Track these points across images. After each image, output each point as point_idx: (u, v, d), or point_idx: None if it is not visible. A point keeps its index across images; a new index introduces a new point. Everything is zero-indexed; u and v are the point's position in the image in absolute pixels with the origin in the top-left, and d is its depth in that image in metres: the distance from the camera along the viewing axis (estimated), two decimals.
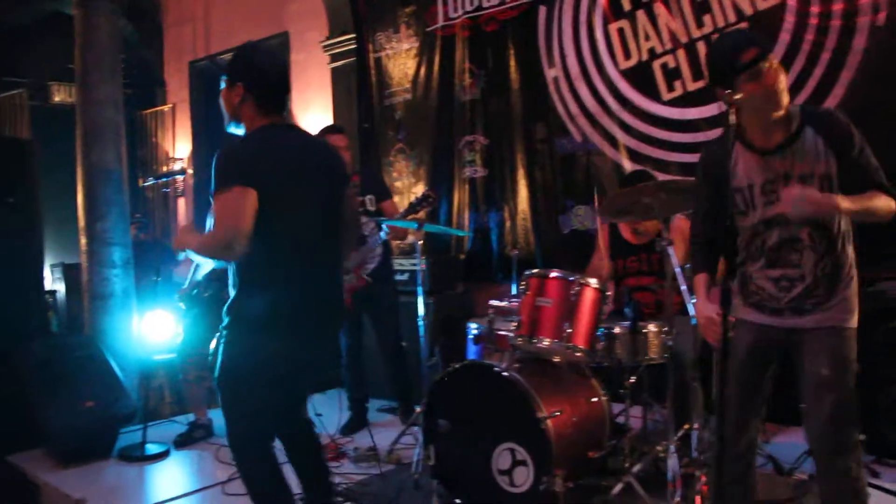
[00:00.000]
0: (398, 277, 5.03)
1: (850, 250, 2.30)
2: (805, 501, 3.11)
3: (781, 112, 2.23)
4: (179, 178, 6.23)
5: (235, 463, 2.61)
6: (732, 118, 2.06)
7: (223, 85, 2.53)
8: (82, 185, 4.66)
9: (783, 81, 2.20)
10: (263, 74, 2.49)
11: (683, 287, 2.83)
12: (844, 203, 2.13)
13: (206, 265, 4.23)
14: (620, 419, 3.52)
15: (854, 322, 2.28)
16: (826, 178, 2.21)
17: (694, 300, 2.54)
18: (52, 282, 7.54)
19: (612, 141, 4.92)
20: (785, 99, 2.21)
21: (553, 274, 3.13)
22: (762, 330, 2.37)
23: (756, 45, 2.20)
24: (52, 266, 7.59)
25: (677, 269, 2.84)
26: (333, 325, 2.84)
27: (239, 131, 2.56)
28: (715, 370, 2.83)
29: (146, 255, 5.16)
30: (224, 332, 2.43)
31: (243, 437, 2.52)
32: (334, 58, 6.38)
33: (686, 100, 4.59)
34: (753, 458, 2.50)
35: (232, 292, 2.45)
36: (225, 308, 2.44)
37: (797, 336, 2.31)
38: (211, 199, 2.36)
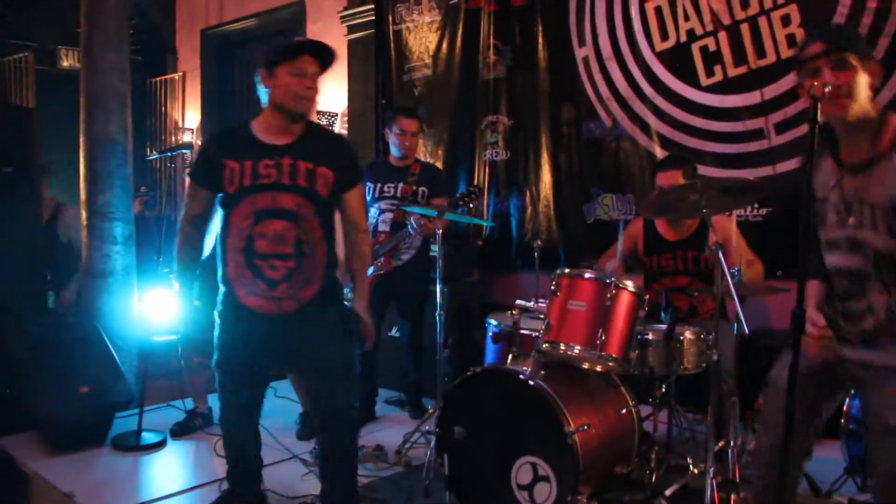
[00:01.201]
0: None
1: None
2: None
3: (861, 118, 1.96)
4: (186, 152, 5.98)
5: None
6: (819, 117, 1.80)
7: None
8: (84, 156, 4.41)
9: (861, 81, 1.94)
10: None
11: (734, 294, 2.56)
12: None
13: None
14: (647, 425, 3.32)
15: None
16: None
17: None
18: None
19: (645, 127, 4.63)
20: (863, 104, 1.96)
21: (587, 275, 2.87)
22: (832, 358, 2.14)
23: (825, 41, 1.97)
24: None
25: (729, 274, 2.57)
26: None
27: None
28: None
29: (150, 232, 4.93)
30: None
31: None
32: (352, 29, 6.08)
33: (726, 86, 4.28)
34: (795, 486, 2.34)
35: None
36: None
37: (864, 371, 2.08)
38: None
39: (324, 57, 2.60)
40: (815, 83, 1.87)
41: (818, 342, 2.10)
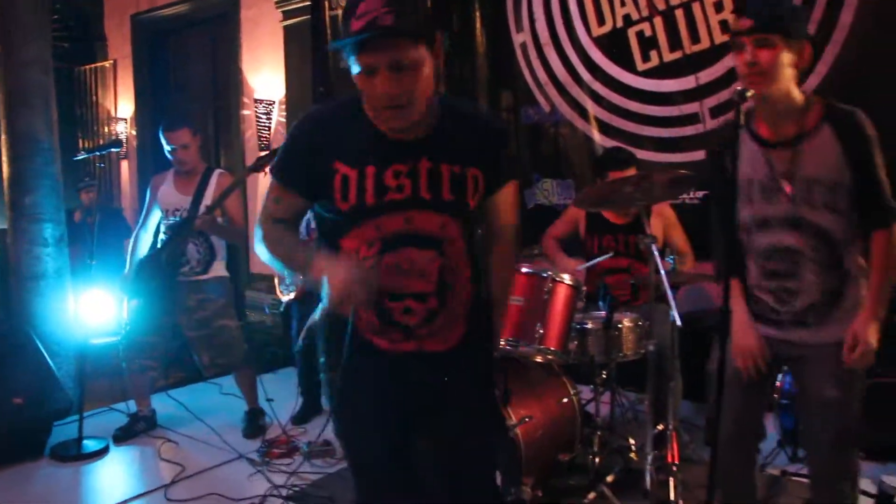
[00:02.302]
0: None
1: (860, 258, 2.08)
2: (779, 500, 3.00)
3: (783, 97, 2.00)
4: (116, 150, 5.79)
5: None
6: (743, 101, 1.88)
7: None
8: (7, 156, 4.24)
9: (783, 62, 1.96)
10: None
11: (664, 279, 2.61)
12: (873, 333, 2.00)
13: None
14: (590, 408, 3.37)
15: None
16: (835, 189, 1.99)
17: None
18: None
19: (583, 112, 4.66)
20: (783, 83, 1.98)
21: (524, 269, 2.88)
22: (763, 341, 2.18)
23: (754, 17, 1.98)
24: None
25: (661, 268, 2.62)
26: None
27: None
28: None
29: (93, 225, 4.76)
30: None
31: None
32: (287, 15, 5.95)
33: (662, 71, 4.33)
34: (754, 467, 2.34)
35: None
36: None
37: (799, 350, 2.12)
38: None
39: None
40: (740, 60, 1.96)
41: (750, 362, 2.15)
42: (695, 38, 4.19)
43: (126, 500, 3.26)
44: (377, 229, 1.74)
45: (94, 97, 7.56)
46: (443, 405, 1.84)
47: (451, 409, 1.85)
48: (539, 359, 2.90)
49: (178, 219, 3.86)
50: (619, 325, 3.12)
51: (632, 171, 3.48)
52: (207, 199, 3.81)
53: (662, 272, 2.59)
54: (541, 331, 2.79)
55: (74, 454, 3.70)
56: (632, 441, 3.27)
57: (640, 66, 4.41)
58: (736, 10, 3.96)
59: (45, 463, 3.69)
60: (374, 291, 1.69)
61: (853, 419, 2.08)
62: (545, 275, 2.83)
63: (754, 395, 2.24)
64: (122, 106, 7.44)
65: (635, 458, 3.11)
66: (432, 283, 1.77)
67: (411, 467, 1.88)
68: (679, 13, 4.23)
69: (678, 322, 2.46)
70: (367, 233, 1.75)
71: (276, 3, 5.97)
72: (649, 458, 2.81)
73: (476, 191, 1.80)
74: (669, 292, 2.51)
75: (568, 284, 2.88)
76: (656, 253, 2.63)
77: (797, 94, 2.02)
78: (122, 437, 3.96)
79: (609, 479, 2.95)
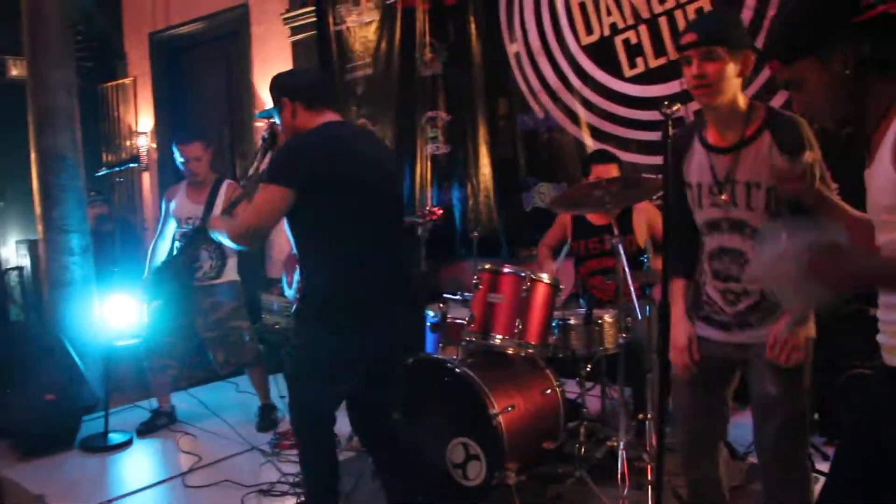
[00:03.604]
0: None
1: None
2: (756, 488, 3.17)
3: (729, 105, 2.09)
4: (134, 165, 6.10)
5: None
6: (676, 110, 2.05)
7: (276, 116, 2.71)
8: (36, 171, 4.57)
9: (729, 73, 2.04)
10: (300, 80, 2.72)
11: (630, 282, 2.83)
12: (796, 330, 2.08)
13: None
14: (580, 400, 3.58)
15: (808, 332, 2.14)
16: (774, 191, 2.07)
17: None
18: (18, 258, 7.47)
19: (574, 118, 4.89)
20: (729, 93, 2.07)
21: (506, 270, 3.13)
22: (711, 346, 2.27)
23: (698, 31, 2.07)
24: (18, 242, 7.52)
25: (626, 267, 2.85)
26: (399, 310, 2.75)
27: None
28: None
29: (114, 235, 5.08)
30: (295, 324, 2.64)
31: (308, 423, 2.67)
32: (294, 31, 6.24)
33: (648, 76, 4.55)
34: (716, 460, 2.40)
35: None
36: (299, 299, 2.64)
37: (745, 352, 2.20)
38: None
39: None
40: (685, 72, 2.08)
41: (680, 361, 2.28)
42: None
43: (147, 487, 3.56)
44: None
45: (116, 113, 7.90)
46: None
47: None
48: (517, 352, 3.12)
49: (191, 227, 4.14)
50: (600, 321, 3.34)
51: (614, 168, 3.71)
52: (217, 207, 4.09)
53: (627, 271, 2.81)
54: (520, 326, 3.03)
55: (101, 446, 4.01)
56: (609, 442, 3.44)
57: (628, 73, 4.63)
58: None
59: (75, 454, 4.00)
60: None
61: (797, 414, 2.14)
62: (523, 274, 3.07)
63: (705, 395, 2.32)
64: (142, 120, 7.77)
65: (616, 447, 3.31)
66: None
67: None
68: (663, 21, 4.45)
69: (639, 317, 2.67)
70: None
71: (284, 19, 6.26)
72: (621, 444, 3.03)
73: None
74: (633, 290, 2.73)
75: (546, 283, 3.11)
76: (622, 251, 2.85)
77: (742, 102, 2.12)
78: (145, 430, 4.26)
79: (587, 465, 3.16)
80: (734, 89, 2.09)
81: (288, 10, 6.23)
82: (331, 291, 2.52)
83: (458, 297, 3.58)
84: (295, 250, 2.61)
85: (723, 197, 2.14)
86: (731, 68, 2.05)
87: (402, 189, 2.83)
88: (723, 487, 2.42)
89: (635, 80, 4.61)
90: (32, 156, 4.60)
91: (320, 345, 2.55)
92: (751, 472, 3.26)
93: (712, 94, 2.07)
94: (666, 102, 2.06)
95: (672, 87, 4.43)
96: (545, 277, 3.11)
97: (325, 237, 2.51)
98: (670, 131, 2.04)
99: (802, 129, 2.06)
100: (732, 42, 2.05)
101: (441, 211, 4.18)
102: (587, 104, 4.83)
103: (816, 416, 3.65)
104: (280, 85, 2.67)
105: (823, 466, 3.27)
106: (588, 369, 3.47)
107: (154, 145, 7.62)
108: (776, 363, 2.09)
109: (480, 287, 3.15)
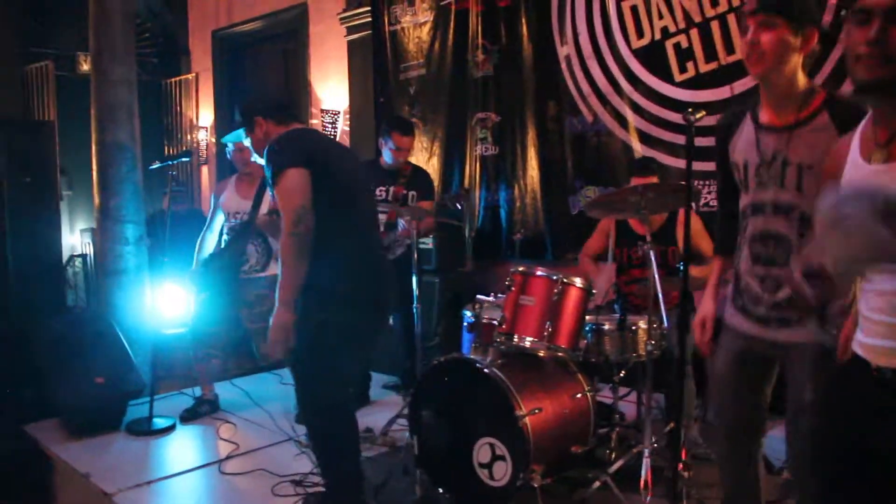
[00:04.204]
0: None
1: None
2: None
3: (786, 82, 2.01)
4: (186, 160, 6.29)
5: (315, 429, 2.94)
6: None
7: (246, 139, 3.03)
8: (96, 163, 4.76)
9: (786, 45, 1.96)
10: (269, 99, 3.02)
11: (658, 290, 2.81)
12: None
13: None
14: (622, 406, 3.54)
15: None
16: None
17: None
18: (83, 246, 7.79)
19: (623, 122, 4.85)
20: (787, 69, 1.99)
21: (538, 272, 3.13)
22: (748, 340, 2.19)
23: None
24: (83, 231, 7.83)
25: (656, 273, 2.82)
26: (390, 295, 3.07)
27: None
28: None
29: (182, 226, 5.21)
30: (299, 307, 2.70)
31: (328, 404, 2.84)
32: (351, 30, 6.35)
33: (698, 81, 4.48)
34: (755, 465, 2.35)
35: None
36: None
37: (783, 351, 2.12)
38: (270, 190, 2.75)
39: None
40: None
41: (703, 340, 2.28)
42: (729, 49, 4.32)
43: (186, 471, 3.67)
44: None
45: (178, 107, 8.16)
46: None
47: None
48: (548, 355, 3.13)
49: (239, 221, 4.25)
50: (634, 327, 3.31)
51: (653, 179, 3.67)
52: (265, 204, 4.19)
53: (657, 279, 2.79)
54: (550, 329, 3.03)
55: (146, 430, 4.16)
56: (654, 439, 3.43)
57: (678, 77, 4.57)
58: None
59: (121, 436, 4.15)
60: None
61: None
62: (554, 277, 3.07)
63: (743, 392, 2.26)
64: (203, 115, 8.00)
65: (635, 453, 3.28)
66: None
67: None
68: (714, 25, 4.37)
69: (665, 324, 2.65)
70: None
71: (341, 19, 6.36)
72: (646, 451, 3.00)
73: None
74: (661, 297, 2.70)
75: (578, 287, 3.10)
76: (652, 257, 2.83)
77: (801, 81, 2.02)
78: (188, 417, 4.40)
79: (611, 470, 3.14)
80: (793, 66, 2.00)
81: (344, 10, 6.33)
82: (339, 274, 2.73)
83: (492, 298, 3.58)
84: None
85: (770, 180, 2.06)
86: (790, 41, 1.96)
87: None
88: (759, 489, 2.36)
89: (685, 84, 4.54)
90: (93, 148, 4.79)
91: (332, 326, 2.72)
92: (786, 488, 3.19)
93: (764, 65, 1.98)
94: (690, 110, 2.03)
95: (723, 93, 4.36)
96: (577, 281, 3.10)
97: (324, 222, 2.68)
98: (694, 139, 2.02)
99: (864, 111, 1.91)
100: (794, 14, 1.96)
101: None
102: (636, 108, 4.78)
103: None
104: (251, 107, 2.95)
105: None
106: (622, 375, 3.45)
107: (213, 140, 7.84)
108: (815, 369, 2.00)
109: (513, 289, 3.16)
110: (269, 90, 3.17)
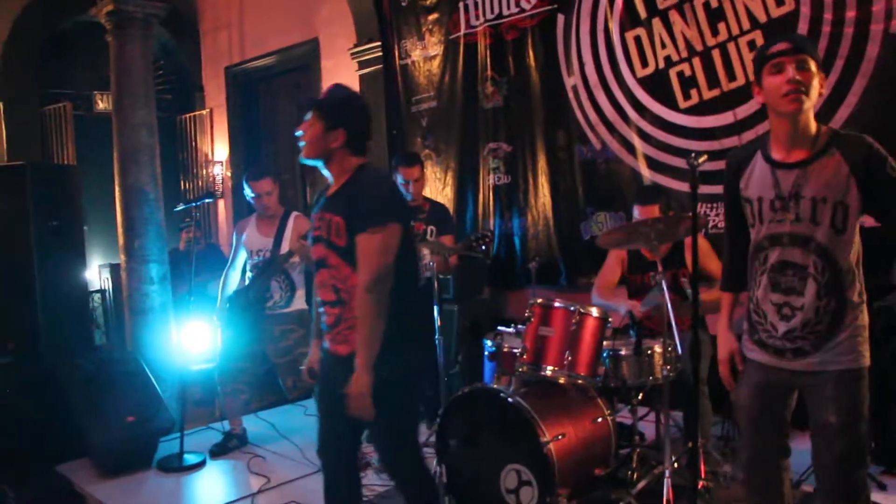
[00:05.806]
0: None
1: (859, 285, 2.22)
2: None
3: (805, 119, 2.16)
4: (209, 201, 6.44)
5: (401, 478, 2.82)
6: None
7: (316, 121, 2.54)
8: (120, 205, 4.91)
9: (815, 85, 2.13)
10: (363, 120, 2.66)
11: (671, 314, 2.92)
12: None
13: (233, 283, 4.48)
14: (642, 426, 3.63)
15: (864, 361, 2.20)
16: (841, 206, 2.13)
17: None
18: (101, 281, 7.91)
19: (631, 149, 4.96)
20: (810, 107, 2.15)
21: (556, 304, 3.24)
22: (767, 370, 2.32)
23: (791, 42, 2.15)
24: (101, 266, 7.96)
25: (668, 300, 2.93)
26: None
27: (315, 166, 2.66)
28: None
29: (201, 262, 5.34)
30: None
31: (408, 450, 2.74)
32: (362, 65, 6.50)
33: (702, 108, 4.59)
34: (781, 485, 2.44)
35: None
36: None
37: (802, 379, 2.26)
38: (355, 229, 2.44)
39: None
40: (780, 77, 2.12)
41: (722, 374, 2.39)
42: (731, 76, 4.43)
43: None
44: None
45: (193, 142, 8.33)
46: None
47: None
48: (568, 382, 3.23)
49: (261, 258, 4.38)
50: (650, 351, 3.41)
51: (654, 207, 3.77)
52: (286, 240, 4.32)
53: (669, 305, 2.90)
54: (570, 358, 3.14)
55: (177, 466, 4.26)
56: (674, 458, 3.52)
57: (682, 104, 4.67)
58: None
59: (153, 473, 4.25)
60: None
61: (857, 442, 2.18)
62: (572, 308, 3.18)
63: (765, 417, 2.37)
64: (217, 150, 8.16)
65: (657, 474, 3.36)
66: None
67: None
68: (716, 53, 4.49)
69: (679, 350, 2.75)
70: None
71: (352, 54, 6.51)
72: (666, 471, 3.09)
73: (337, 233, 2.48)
74: (674, 324, 2.81)
75: (595, 317, 3.21)
76: (664, 284, 2.94)
77: (813, 119, 2.19)
78: (218, 452, 4.49)
79: (635, 491, 3.23)
80: (812, 104, 2.16)
81: (355, 45, 6.48)
82: (407, 314, 2.53)
83: (512, 329, 3.69)
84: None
85: (789, 215, 2.20)
86: (817, 82, 2.14)
87: None
88: None
89: (690, 111, 4.65)
90: (117, 191, 4.95)
91: (404, 372, 2.55)
92: (805, 501, 3.27)
93: (804, 103, 2.12)
94: (693, 154, 2.16)
95: (726, 118, 4.47)
96: (594, 311, 3.21)
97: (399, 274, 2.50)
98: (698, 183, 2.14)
99: (870, 142, 2.14)
100: (817, 58, 2.15)
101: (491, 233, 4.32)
102: (643, 135, 4.89)
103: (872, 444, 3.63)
104: (344, 112, 2.60)
105: (879, 497, 3.28)
106: (640, 397, 3.54)
107: (228, 174, 8.00)
108: (837, 393, 2.16)
109: (532, 320, 3.27)
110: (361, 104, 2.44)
